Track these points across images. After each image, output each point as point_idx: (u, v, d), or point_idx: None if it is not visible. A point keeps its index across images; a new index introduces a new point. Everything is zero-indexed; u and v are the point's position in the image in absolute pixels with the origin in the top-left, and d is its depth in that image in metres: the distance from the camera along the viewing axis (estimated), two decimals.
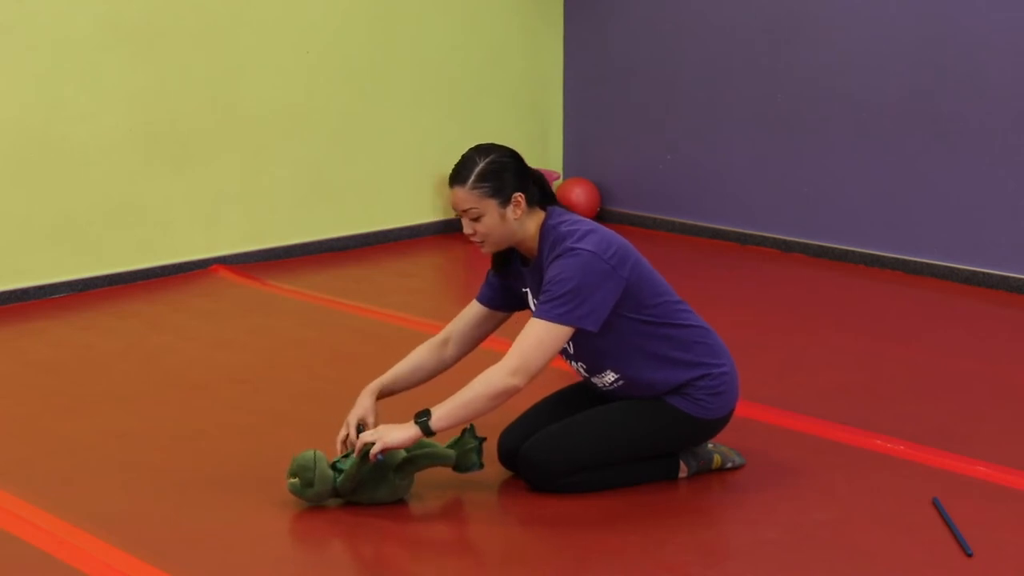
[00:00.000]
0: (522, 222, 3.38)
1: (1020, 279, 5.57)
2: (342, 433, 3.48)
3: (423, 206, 6.78)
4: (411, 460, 3.35)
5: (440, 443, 3.43)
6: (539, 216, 3.42)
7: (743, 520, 3.40)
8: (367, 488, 3.36)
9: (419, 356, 3.60)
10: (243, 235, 6.12)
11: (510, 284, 3.55)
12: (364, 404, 3.51)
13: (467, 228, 3.38)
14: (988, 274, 5.67)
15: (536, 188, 3.43)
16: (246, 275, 5.88)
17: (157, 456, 3.78)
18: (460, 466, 3.40)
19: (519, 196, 3.36)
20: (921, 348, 4.82)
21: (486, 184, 3.33)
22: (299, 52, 6.19)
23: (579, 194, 6.93)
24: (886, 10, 5.86)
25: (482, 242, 3.40)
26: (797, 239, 6.32)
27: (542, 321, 3.28)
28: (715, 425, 3.50)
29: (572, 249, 3.30)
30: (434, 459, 3.37)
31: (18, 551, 3.17)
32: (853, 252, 6.11)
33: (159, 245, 5.84)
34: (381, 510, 3.37)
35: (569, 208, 7.13)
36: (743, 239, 6.48)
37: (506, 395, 3.28)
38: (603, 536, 3.23)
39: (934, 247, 5.85)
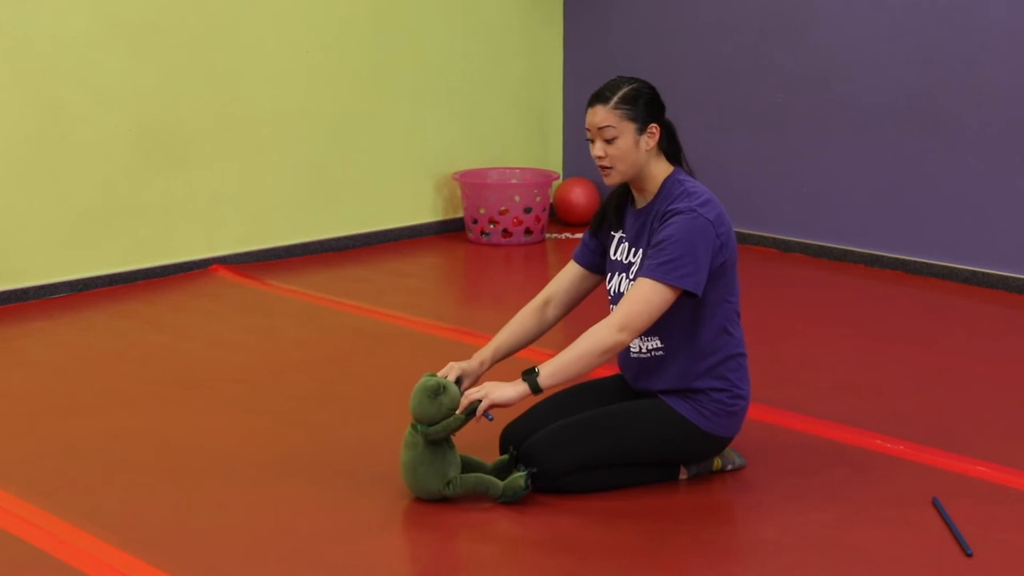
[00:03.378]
0: (650, 158, 3.40)
1: (1020, 279, 5.57)
2: (441, 372, 3.46)
3: (423, 206, 6.78)
4: (461, 480, 3.36)
5: (486, 459, 3.48)
6: (664, 164, 3.44)
7: (743, 520, 3.40)
8: (427, 462, 3.33)
9: (521, 321, 3.60)
10: (243, 235, 6.12)
11: (603, 239, 3.57)
12: (475, 363, 3.51)
13: (598, 150, 3.38)
14: (988, 274, 5.67)
15: (666, 135, 3.44)
16: (246, 275, 5.88)
17: (157, 456, 3.78)
18: (505, 495, 3.37)
19: (655, 127, 3.39)
20: (921, 348, 4.82)
21: (628, 106, 3.36)
22: (299, 52, 6.19)
23: (579, 194, 6.92)
24: (886, 10, 5.86)
25: (611, 167, 3.39)
26: (797, 239, 6.32)
27: (651, 280, 3.29)
28: (715, 442, 3.49)
29: (693, 211, 3.32)
30: (481, 486, 3.37)
31: (18, 551, 3.17)
32: (853, 252, 6.11)
33: (159, 245, 5.84)
34: (380, 509, 3.37)
35: (568, 208, 7.18)
36: (743, 239, 6.48)
37: (613, 351, 3.30)
38: (603, 536, 3.23)
39: (934, 247, 5.85)
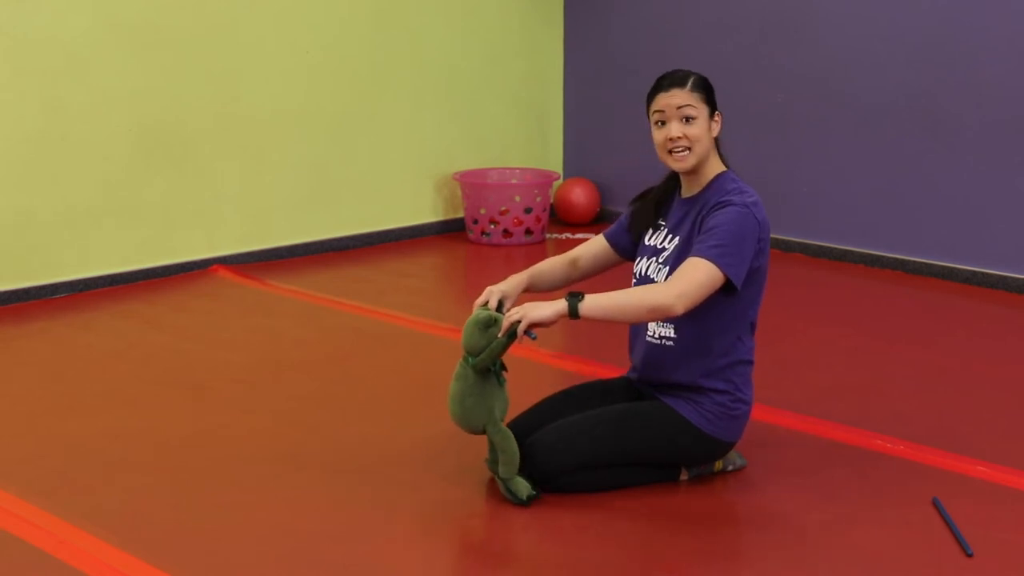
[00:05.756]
0: (712, 145, 3.46)
1: (1020, 279, 5.58)
2: (481, 299, 3.46)
3: (423, 206, 6.78)
4: (504, 431, 3.35)
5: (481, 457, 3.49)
6: (718, 161, 3.49)
7: (743, 520, 3.40)
8: (475, 394, 3.35)
9: (554, 265, 3.65)
10: (243, 235, 6.12)
11: (637, 233, 3.59)
12: (512, 283, 3.52)
13: (676, 131, 3.40)
14: (988, 274, 5.67)
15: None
16: (246, 275, 5.88)
17: (157, 456, 3.78)
18: (506, 486, 3.38)
19: (719, 115, 3.46)
20: (921, 348, 4.82)
21: (702, 91, 3.43)
22: (299, 52, 6.19)
23: (579, 194, 6.92)
24: (886, 10, 5.86)
25: (687, 149, 3.41)
26: (797, 239, 6.32)
27: (708, 262, 3.28)
28: (716, 446, 3.49)
29: (747, 207, 3.35)
30: (508, 454, 3.35)
31: (18, 551, 3.17)
32: (853, 252, 6.11)
33: (159, 245, 5.84)
34: (381, 508, 3.37)
35: (568, 208, 7.17)
36: None
37: (663, 313, 3.26)
38: (603, 536, 3.23)
39: (934, 247, 5.85)
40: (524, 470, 3.41)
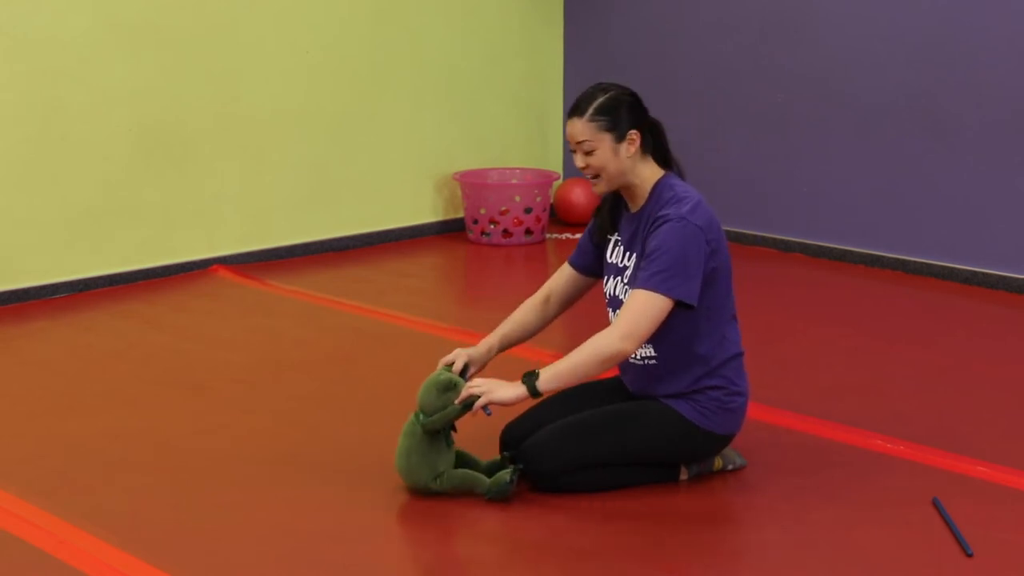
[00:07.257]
0: (635, 163, 3.41)
1: (1020, 279, 5.57)
2: (448, 358, 3.48)
3: (423, 206, 6.78)
4: (449, 476, 3.38)
5: (485, 458, 3.49)
6: (654, 168, 3.45)
7: (743, 520, 3.40)
8: (422, 452, 3.36)
9: (524, 314, 3.64)
10: (243, 235, 6.12)
11: (600, 242, 3.59)
12: (481, 350, 3.53)
13: (580, 162, 3.41)
14: (988, 274, 5.67)
15: (651, 138, 3.45)
16: (246, 275, 5.88)
17: (157, 456, 3.78)
18: (491, 491, 3.39)
19: (634, 134, 3.39)
20: (921, 348, 4.82)
21: (603, 118, 3.37)
22: (299, 52, 6.19)
23: (579, 194, 6.92)
24: (886, 10, 5.86)
25: (596, 177, 3.41)
26: (797, 239, 6.32)
27: (646, 291, 3.29)
28: (716, 441, 3.49)
29: (683, 218, 3.32)
30: (467, 482, 3.39)
31: (18, 551, 3.17)
32: (853, 252, 6.11)
33: (159, 245, 5.84)
34: (380, 509, 3.37)
35: (568, 208, 7.17)
36: (743, 239, 6.48)
37: (615, 360, 3.30)
38: (603, 536, 3.23)
39: (934, 247, 5.85)
40: (512, 471, 3.44)
